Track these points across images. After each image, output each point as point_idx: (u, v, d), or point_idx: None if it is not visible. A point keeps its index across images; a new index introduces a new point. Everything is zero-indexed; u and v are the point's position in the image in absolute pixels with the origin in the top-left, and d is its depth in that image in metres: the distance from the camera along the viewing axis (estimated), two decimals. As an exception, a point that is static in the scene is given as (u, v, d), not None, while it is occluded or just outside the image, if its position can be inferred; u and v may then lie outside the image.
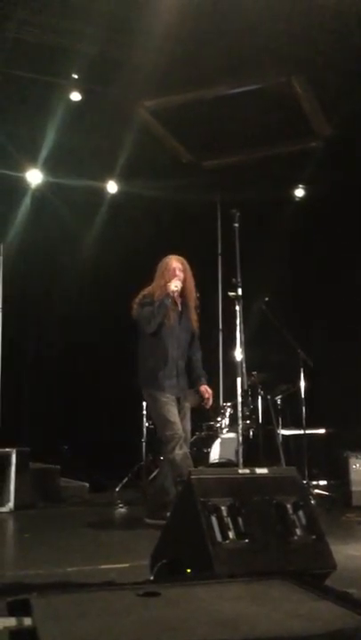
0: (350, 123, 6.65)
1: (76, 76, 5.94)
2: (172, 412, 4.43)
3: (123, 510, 5.50)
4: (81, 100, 6.13)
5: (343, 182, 7.29)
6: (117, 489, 6.27)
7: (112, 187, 7.62)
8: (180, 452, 4.27)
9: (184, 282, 4.66)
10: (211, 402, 4.76)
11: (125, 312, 4.75)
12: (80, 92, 6.09)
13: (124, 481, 6.33)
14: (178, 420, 4.42)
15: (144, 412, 6.65)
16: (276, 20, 5.18)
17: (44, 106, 6.24)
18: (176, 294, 4.61)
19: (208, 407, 4.86)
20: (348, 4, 4.99)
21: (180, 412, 4.52)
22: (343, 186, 7.32)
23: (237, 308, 4.23)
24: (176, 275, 4.61)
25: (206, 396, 4.69)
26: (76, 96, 6.10)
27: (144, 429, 6.59)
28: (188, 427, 4.64)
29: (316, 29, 5.32)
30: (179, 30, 5.18)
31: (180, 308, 4.69)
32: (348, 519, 4.80)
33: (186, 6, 4.94)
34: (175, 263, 4.69)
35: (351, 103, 6.41)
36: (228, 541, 2.40)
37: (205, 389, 4.70)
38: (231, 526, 2.46)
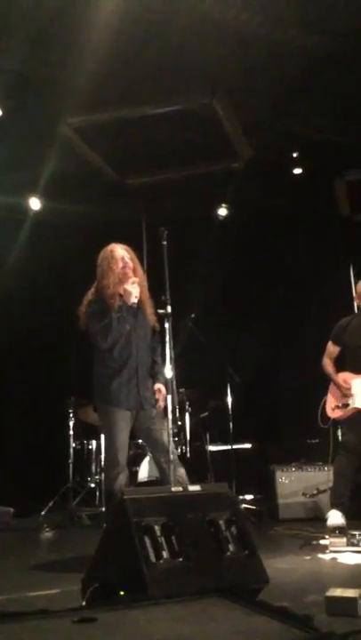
0: (271, 145, 6.87)
1: (-4, 91, 5.83)
2: (122, 436, 3.83)
3: (50, 535, 5.36)
4: (1, 115, 6.01)
5: (263, 202, 7.52)
6: (43, 513, 6.10)
7: (35, 203, 7.50)
8: (120, 486, 3.68)
9: (135, 274, 4.07)
10: (162, 405, 4.03)
11: (51, 327, 4.58)
12: (1, 108, 5.97)
13: (50, 504, 6.17)
14: (125, 447, 3.85)
15: (71, 433, 6.53)
16: (199, 43, 5.29)
17: None
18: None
19: (159, 410, 4.08)
20: (270, 29, 5.16)
21: (147, 421, 3.96)
22: (263, 206, 7.55)
23: (167, 325, 4.17)
24: (126, 264, 4.02)
25: (156, 396, 4.06)
26: (-4, 111, 5.97)
27: (71, 450, 6.48)
28: (165, 436, 3.83)
29: (239, 53, 5.47)
30: (104, 48, 5.18)
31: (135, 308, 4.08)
32: (276, 532, 4.87)
33: (112, 24, 4.96)
34: (121, 252, 4.07)
35: (272, 126, 6.63)
36: (161, 561, 2.39)
37: (158, 389, 4.07)
38: (165, 546, 2.45)
